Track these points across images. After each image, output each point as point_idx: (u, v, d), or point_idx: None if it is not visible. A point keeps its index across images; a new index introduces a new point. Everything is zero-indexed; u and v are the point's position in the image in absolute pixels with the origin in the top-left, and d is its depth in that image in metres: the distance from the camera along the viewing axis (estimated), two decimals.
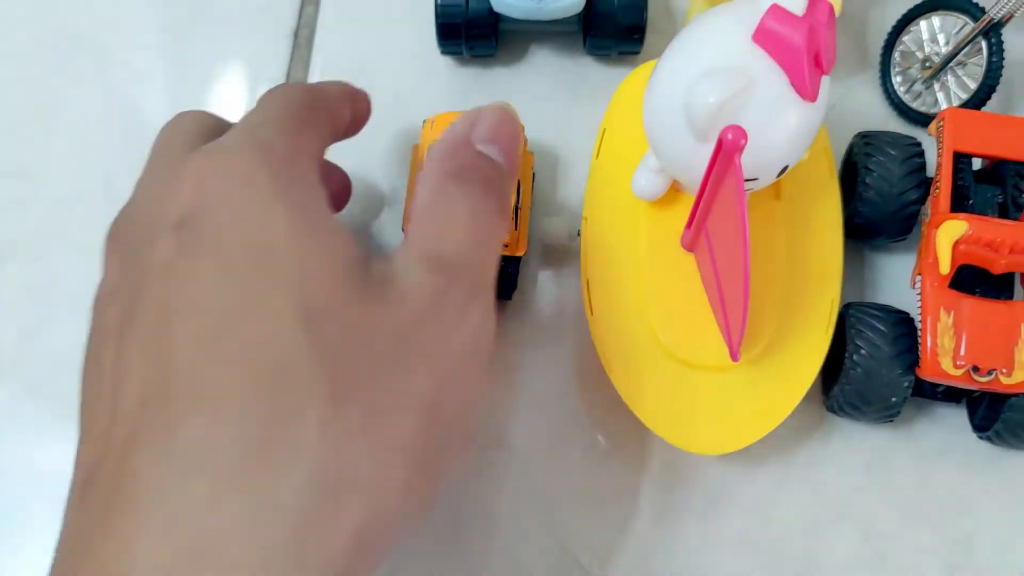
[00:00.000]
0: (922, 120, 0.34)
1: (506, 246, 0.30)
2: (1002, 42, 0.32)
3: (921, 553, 0.30)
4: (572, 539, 0.30)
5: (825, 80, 0.25)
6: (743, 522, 0.31)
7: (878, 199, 0.30)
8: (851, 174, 0.32)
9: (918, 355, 0.28)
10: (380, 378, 0.20)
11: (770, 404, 0.29)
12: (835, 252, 0.30)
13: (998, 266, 0.28)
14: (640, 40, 0.34)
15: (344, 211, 0.33)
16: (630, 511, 0.31)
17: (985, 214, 0.29)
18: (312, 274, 0.20)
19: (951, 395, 0.30)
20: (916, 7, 0.35)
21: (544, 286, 0.33)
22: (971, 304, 0.28)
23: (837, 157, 0.33)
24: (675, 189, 0.29)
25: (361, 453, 0.19)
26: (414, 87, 0.36)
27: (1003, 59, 0.32)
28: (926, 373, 0.28)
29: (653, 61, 0.27)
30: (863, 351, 0.29)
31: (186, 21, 0.38)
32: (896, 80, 0.35)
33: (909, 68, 0.35)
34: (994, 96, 0.33)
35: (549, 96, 0.36)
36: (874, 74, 0.36)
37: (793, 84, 0.24)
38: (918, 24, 0.35)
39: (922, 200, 0.30)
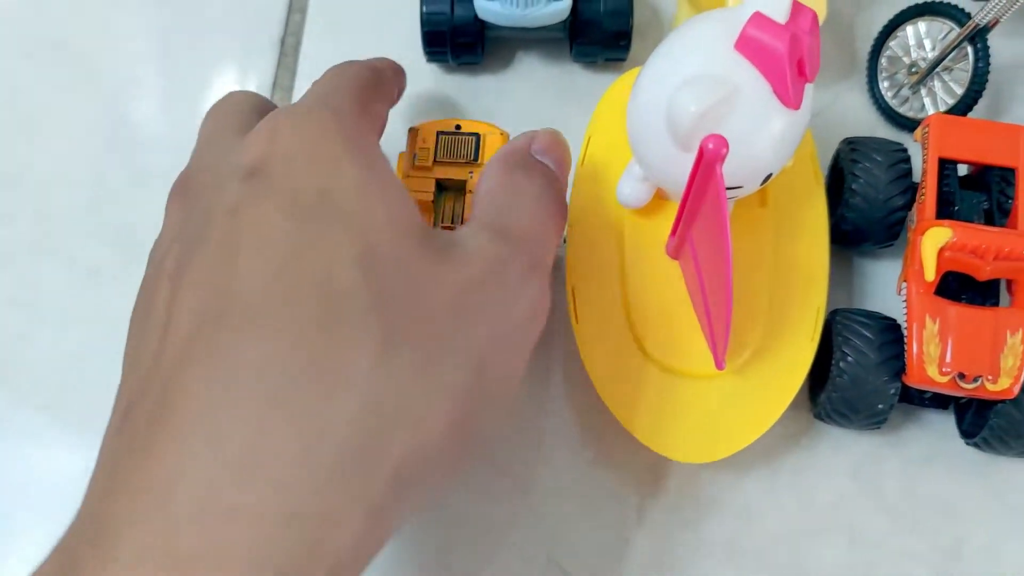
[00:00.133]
0: (909, 125, 0.34)
1: None
2: (988, 47, 0.32)
3: (909, 560, 0.30)
4: (558, 548, 0.30)
5: (809, 88, 0.25)
6: (731, 530, 0.30)
7: (864, 205, 0.30)
8: (838, 180, 0.32)
9: (905, 362, 0.28)
10: (436, 326, 0.21)
11: (756, 412, 0.29)
12: (821, 259, 0.30)
13: (983, 273, 0.28)
14: (626, 47, 0.34)
15: None
16: (617, 519, 0.31)
17: (971, 220, 0.29)
18: (375, 224, 0.21)
19: (938, 401, 0.30)
20: (902, 12, 0.35)
21: None
22: (957, 311, 0.27)
23: (824, 163, 0.33)
24: (660, 196, 0.29)
25: (411, 391, 0.20)
26: None
27: (989, 64, 0.32)
28: (912, 380, 0.28)
29: (637, 68, 0.26)
30: (849, 358, 0.28)
31: (172, 29, 0.38)
32: (883, 85, 0.35)
33: (896, 73, 0.35)
34: (981, 101, 0.33)
35: (536, 103, 0.36)
36: (861, 79, 0.36)
37: (776, 92, 0.24)
38: (904, 29, 0.35)
39: (908, 206, 0.30)
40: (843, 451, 0.31)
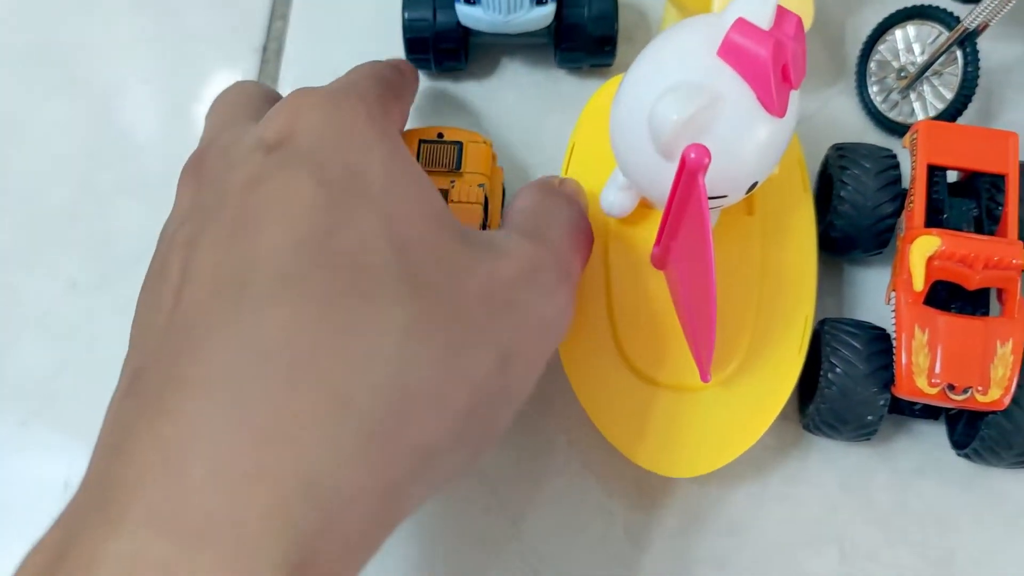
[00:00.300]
0: (899, 130, 0.34)
1: None
2: (977, 52, 0.32)
3: (901, 572, 0.30)
4: (544, 561, 0.30)
5: (794, 95, 0.24)
6: (720, 543, 0.30)
7: (853, 212, 0.30)
8: (827, 187, 0.32)
9: (894, 372, 0.28)
10: (468, 314, 0.20)
11: (743, 424, 0.28)
12: (809, 267, 0.30)
13: (973, 282, 0.27)
14: (612, 52, 0.34)
15: None
16: (603, 533, 0.30)
17: (960, 228, 0.29)
18: (408, 210, 0.21)
19: (929, 412, 0.30)
20: (891, 16, 0.34)
21: None
22: (946, 321, 0.27)
23: (813, 169, 0.33)
24: (645, 205, 0.29)
25: (436, 373, 0.19)
26: None
27: (978, 69, 0.32)
28: (901, 391, 0.27)
29: (620, 76, 0.26)
30: (838, 369, 0.28)
31: (154, 36, 0.37)
32: (873, 90, 0.35)
33: (885, 78, 0.35)
34: (972, 106, 0.32)
35: (521, 109, 0.35)
36: (850, 84, 0.35)
37: (760, 99, 0.23)
38: (893, 33, 0.34)
39: (898, 213, 0.30)
40: (833, 463, 0.31)
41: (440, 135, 0.31)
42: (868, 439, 0.29)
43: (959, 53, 0.32)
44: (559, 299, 0.24)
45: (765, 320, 0.29)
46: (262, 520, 0.17)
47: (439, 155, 0.31)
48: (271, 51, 0.37)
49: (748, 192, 0.25)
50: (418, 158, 0.31)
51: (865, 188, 0.30)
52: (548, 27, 0.33)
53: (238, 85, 0.28)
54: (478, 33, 0.33)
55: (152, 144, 0.36)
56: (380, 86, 0.26)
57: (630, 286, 0.29)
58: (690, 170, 0.21)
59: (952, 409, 0.29)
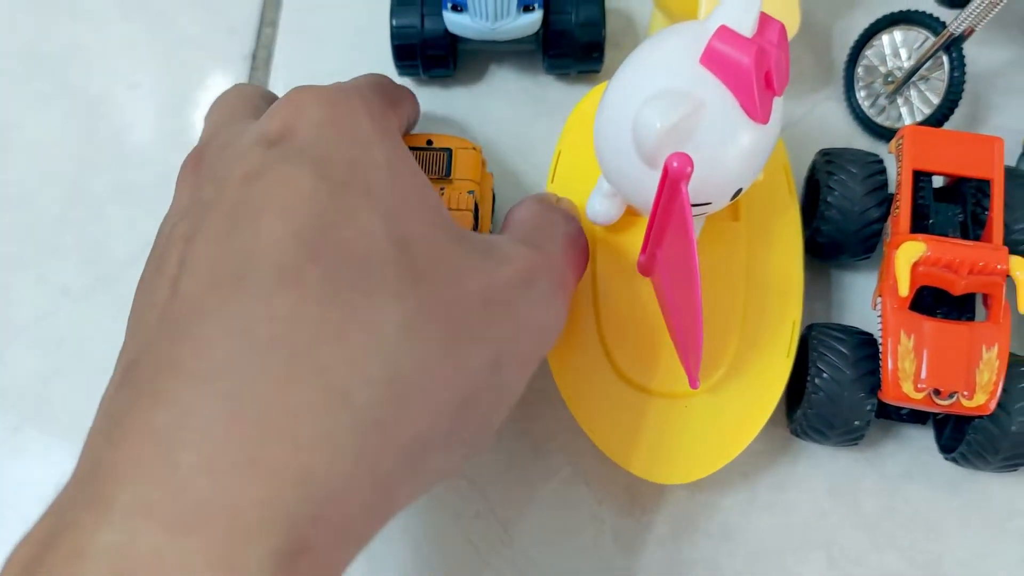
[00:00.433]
0: (887, 135, 0.34)
1: None
2: (963, 57, 0.32)
3: None
4: (535, 567, 0.30)
5: (778, 101, 0.24)
6: (709, 549, 0.30)
7: (840, 218, 0.30)
8: (814, 192, 0.32)
9: (881, 377, 0.28)
10: (465, 313, 0.21)
11: (733, 429, 0.28)
12: (796, 272, 0.30)
13: (958, 287, 0.27)
14: (599, 58, 0.34)
15: None
16: (593, 540, 0.30)
17: (946, 233, 0.29)
18: (409, 209, 0.21)
19: (916, 417, 0.30)
20: (878, 21, 0.34)
21: None
22: (932, 326, 0.27)
23: (801, 174, 0.33)
24: (631, 213, 0.29)
25: (431, 369, 0.19)
26: None
27: (964, 74, 0.32)
28: (888, 397, 0.27)
29: (605, 83, 0.26)
30: (825, 374, 0.28)
31: (143, 43, 0.37)
32: (860, 95, 0.35)
33: (873, 83, 0.35)
34: (960, 110, 0.33)
35: (510, 116, 0.35)
36: (838, 89, 0.36)
37: (744, 107, 0.23)
38: (880, 39, 0.34)
39: (884, 218, 0.30)
40: (821, 468, 0.31)
41: (429, 142, 0.31)
42: (856, 444, 0.29)
43: (945, 58, 0.32)
44: (554, 306, 0.24)
45: (752, 325, 0.29)
46: (253, 509, 0.16)
47: (429, 162, 0.31)
48: (260, 58, 0.37)
49: (733, 199, 0.25)
50: None
51: (852, 193, 0.30)
52: (536, 34, 0.33)
53: (236, 88, 0.28)
54: (466, 40, 0.33)
55: (143, 150, 0.36)
56: (380, 91, 0.26)
57: (618, 293, 0.29)
58: (673, 179, 0.21)
59: (939, 414, 0.30)
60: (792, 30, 0.30)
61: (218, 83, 0.37)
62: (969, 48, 0.32)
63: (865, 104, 0.35)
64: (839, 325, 0.29)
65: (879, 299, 0.28)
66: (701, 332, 0.23)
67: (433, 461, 0.20)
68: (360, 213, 0.20)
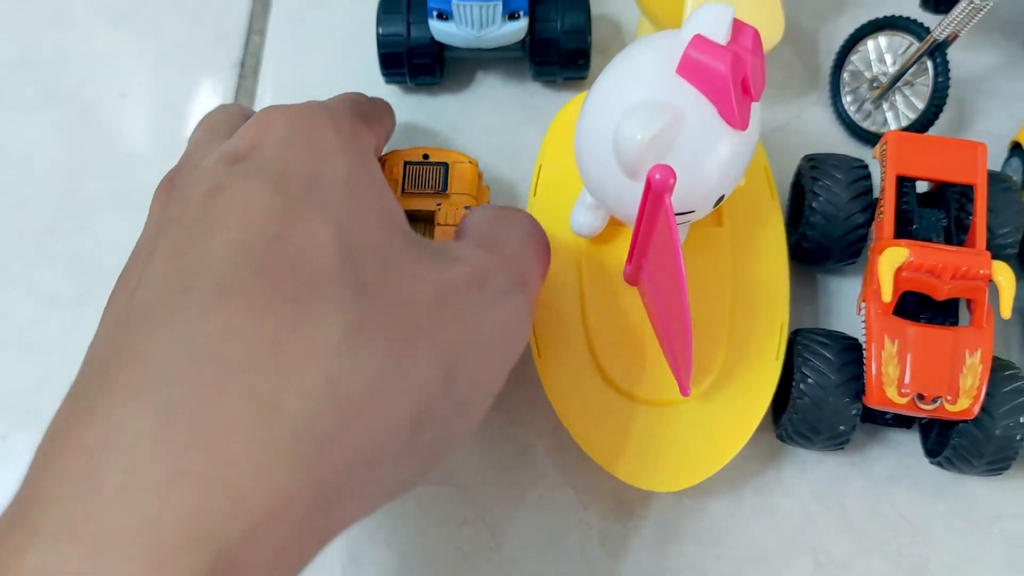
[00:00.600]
0: (873, 140, 0.34)
1: None
2: (947, 62, 0.32)
3: None
4: (521, 572, 0.30)
5: (755, 106, 0.24)
6: (695, 554, 0.30)
7: (825, 223, 0.30)
8: (799, 198, 0.32)
9: (865, 382, 0.28)
10: (412, 320, 0.20)
11: (723, 436, 0.28)
12: (781, 276, 0.30)
13: (941, 292, 0.27)
14: (586, 65, 0.34)
15: None
16: (580, 546, 0.30)
17: (930, 238, 0.29)
18: (363, 218, 0.21)
19: (901, 421, 0.30)
20: (863, 27, 0.34)
21: None
22: (915, 331, 0.27)
23: (787, 180, 0.33)
24: (615, 223, 0.29)
25: (377, 380, 0.19)
26: None
27: (949, 79, 0.32)
28: (872, 401, 0.27)
29: (584, 93, 0.26)
30: (810, 379, 0.28)
31: (132, 51, 0.37)
32: (846, 100, 0.35)
33: (859, 88, 0.35)
34: (946, 115, 0.33)
35: (497, 123, 0.35)
36: (824, 94, 0.36)
37: (722, 114, 0.23)
38: (865, 44, 0.34)
39: (869, 223, 0.30)
40: (807, 472, 0.31)
41: (425, 156, 0.31)
42: (841, 448, 0.29)
43: (930, 63, 0.32)
44: (512, 306, 0.23)
45: (740, 330, 0.29)
46: (179, 529, 0.16)
47: (425, 177, 0.31)
48: (248, 66, 0.37)
49: (716, 205, 0.26)
50: (403, 180, 0.31)
51: (837, 199, 0.30)
52: (522, 41, 0.33)
53: (220, 108, 0.28)
54: (453, 48, 0.33)
55: (131, 158, 0.36)
56: (353, 108, 0.26)
57: (605, 303, 0.29)
58: (656, 191, 0.21)
59: (924, 418, 0.30)
60: (776, 36, 0.30)
61: (207, 91, 0.37)
62: (953, 53, 0.32)
63: (851, 109, 0.35)
64: (824, 330, 0.30)
65: (863, 304, 0.28)
66: (691, 340, 0.23)
67: (382, 477, 0.20)
68: (311, 225, 0.20)
